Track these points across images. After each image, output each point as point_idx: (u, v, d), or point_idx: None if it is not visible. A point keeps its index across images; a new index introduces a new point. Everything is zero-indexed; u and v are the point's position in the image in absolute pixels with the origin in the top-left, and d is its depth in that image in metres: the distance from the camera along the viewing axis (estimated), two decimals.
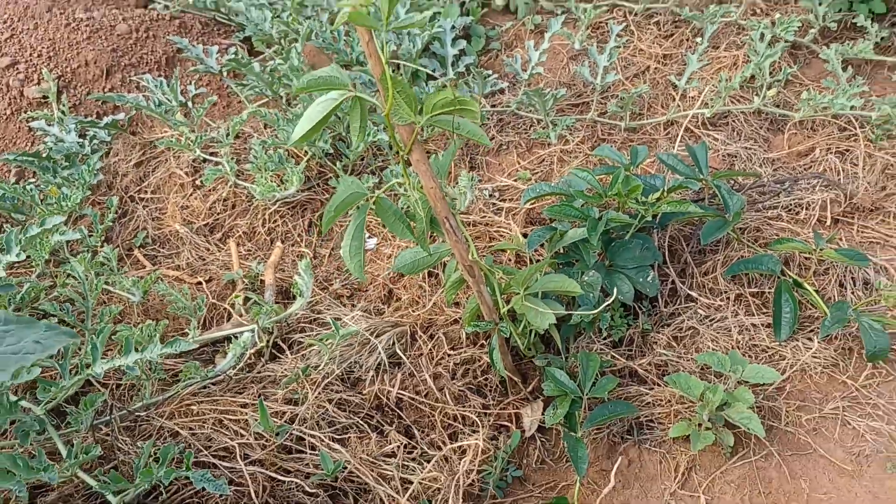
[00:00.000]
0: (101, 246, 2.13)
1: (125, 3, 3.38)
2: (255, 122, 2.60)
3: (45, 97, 2.92)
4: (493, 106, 2.41)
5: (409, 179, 1.45)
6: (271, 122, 2.24)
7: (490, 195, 2.11)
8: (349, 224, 1.44)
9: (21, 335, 0.94)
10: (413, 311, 1.81)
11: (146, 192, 2.36)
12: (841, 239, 1.90)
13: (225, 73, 2.79)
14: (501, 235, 1.96)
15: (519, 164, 2.23)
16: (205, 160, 2.34)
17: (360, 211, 1.46)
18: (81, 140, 2.54)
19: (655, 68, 2.48)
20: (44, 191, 2.35)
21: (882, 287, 1.69)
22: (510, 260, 1.90)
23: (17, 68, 3.04)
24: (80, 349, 1.75)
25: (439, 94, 1.30)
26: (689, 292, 1.81)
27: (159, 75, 3.06)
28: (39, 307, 1.94)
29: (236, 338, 1.76)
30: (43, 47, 3.09)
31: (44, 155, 2.46)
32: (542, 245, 1.75)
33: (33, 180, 2.43)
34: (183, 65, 3.19)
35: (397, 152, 1.39)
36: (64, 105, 2.86)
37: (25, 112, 2.87)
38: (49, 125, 2.70)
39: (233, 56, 2.74)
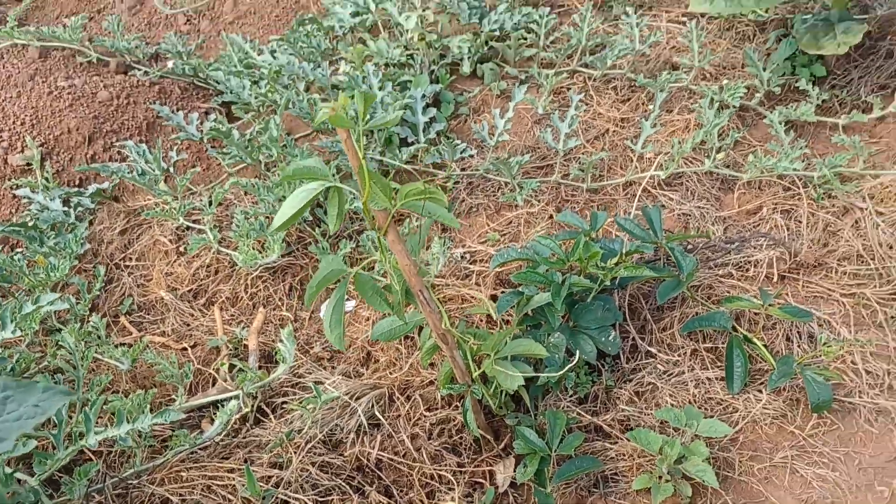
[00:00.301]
0: (89, 314, 2.21)
1: (105, 70, 3.50)
2: (237, 188, 2.71)
3: (28, 164, 3.01)
4: (464, 170, 2.55)
5: (385, 256, 1.57)
6: (252, 191, 2.35)
7: (461, 257, 2.23)
8: (330, 298, 1.55)
9: (21, 400, 1.02)
10: (391, 373, 1.92)
11: (131, 259, 2.46)
12: (787, 294, 2.04)
13: (206, 140, 2.91)
14: (472, 297, 2.08)
15: (488, 225, 2.37)
16: (188, 227, 2.44)
17: (340, 287, 1.57)
18: (66, 209, 2.63)
19: (614, 131, 2.64)
20: (31, 260, 2.43)
21: (823, 342, 1.83)
22: (482, 320, 2.02)
23: (1, 136, 3.14)
24: (71, 417, 1.82)
25: (411, 185, 1.43)
26: (649, 348, 1.93)
27: (140, 140, 3.16)
28: (31, 378, 2.02)
29: (222, 404, 1.85)
30: (26, 115, 3.19)
31: (30, 224, 2.55)
32: (511, 307, 1.87)
33: (20, 249, 2.51)
34: (163, 129, 3.30)
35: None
36: (48, 172, 2.95)
37: (9, 179, 2.96)
38: (34, 192, 2.79)
39: (213, 124, 2.86)
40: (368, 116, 1.50)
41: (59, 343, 2.05)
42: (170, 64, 3.57)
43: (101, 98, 3.24)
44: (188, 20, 4.10)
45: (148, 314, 2.28)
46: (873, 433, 1.76)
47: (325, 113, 1.37)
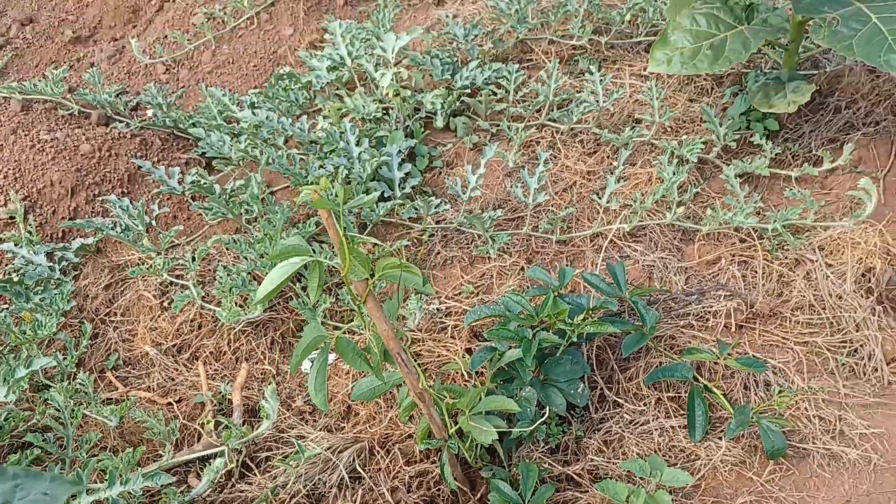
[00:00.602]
0: (76, 371, 2.27)
1: (87, 122, 3.58)
2: (219, 243, 2.79)
3: (12, 218, 3.07)
4: (438, 223, 2.66)
5: (365, 321, 1.67)
6: (234, 247, 2.44)
7: (437, 310, 2.33)
8: (314, 363, 1.64)
9: (30, 487, 1.10)
10: (370, 427, 2.00)
11: (116, 314, 2.52)
12: (745, 343, 2.17)
13: (187, 193, 2.99)
14: (448, 349, 2.18)
15: (462, 277, 2.47)
16: (171, 283, 2.52)
17: (322, 352, 1.66)
18: (51, 263, 2.69)
19: (581, 183, 2.77)
20: (17, 315, 2.49)
21: (778, 392, 1.95)
22: (457, 372, 2.11)
23: None
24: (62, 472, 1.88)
25: (388, 259, 1.54)
26: (616, 398, 2.04)
27: (123, 193, 3.24)
28: (21, 437, 2.07)
29: (208, 460, 1.92)
30: (9, 169, 3.25)
31: (16, 280, 2.61)
32: (485, 363, 1.97)
33: (5, 305, 2.56)
34: (145, 180, 3.37)
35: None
36: (31, 225, 3.01)
37: None
38: (17, 247, 2.85)
39: (195, 178, 2.95)
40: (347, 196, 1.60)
41: (48, 401, 2.11)
42: (149, 113, 3.66)
43: (84, 151, 3.32)
44: (167, 69, 4.20)
45: (133, 369, 2.34)
46: (826, 477, 1.87)
47: (308, 195, 1.47)
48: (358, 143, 2.77)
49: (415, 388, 1.72)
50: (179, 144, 3.56)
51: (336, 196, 1.46)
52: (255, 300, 1.54)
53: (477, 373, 2.13)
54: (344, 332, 1.64)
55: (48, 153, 3.28)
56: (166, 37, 4.30)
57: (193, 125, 3.43)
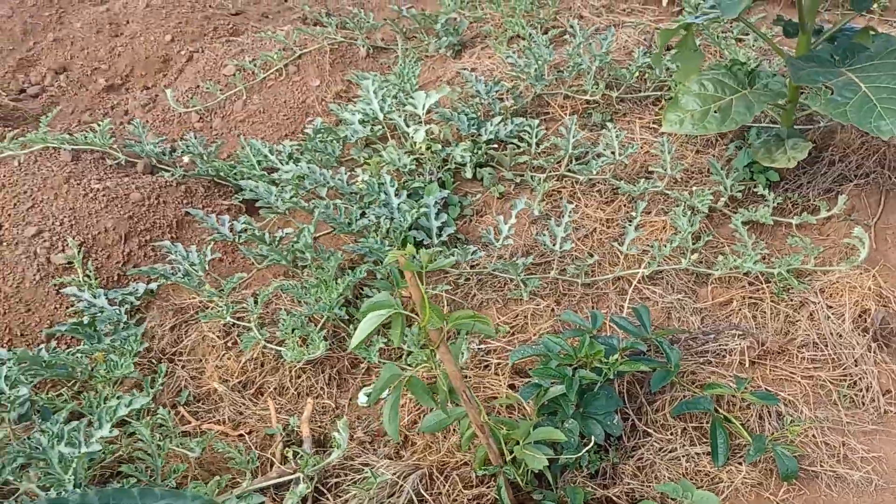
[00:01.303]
0: (156, 408, 2.50)
1: (133, 171, 3.83)
2: (268, 281, 3.04)
3: (70, 263, 3.31)
4: (473, 267, 2.92)
5: (435, 363, 1.93)
6: (293, 293, 2.69)
7: (479, 349, 2.59)
8: (388, 397, 1.89)
9: None
10: (429, 455, 2.24)
11: (182, 353, 2.75)
12: (758, 378, 2.43)
13: (238, 240, 3.24)
14: (491, 386, 2.43)
15: (498, 318, 2.73)
16: (234, 324, 2.76)
17: (396, 389, 1.91)
18: (116, 307, 2.92)
19: (600, 230, 3.05)
20: (91, 356, 2.72)
21: (790, 421, 2.22)
22: (501, 406, 2.36)
23: (43, 236, 3.43)
24: None
25: (462, 312, 1.79)
26: (646, 429, 2.30)
27: (172, 238, 3.48)
28: (109, 468, 2.30)
29: (281, 487, 2.15)
30: (65, 217, 3.50)
31: (86, 322, 2.83)
32: (531, 398, 2.22)
33: (80, 346, 2.78)
34: (192, 226, 3.62)
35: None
36: (90, 270, 3.25)
37: (53, 278, 3.25)
38: (80, 290, 3.08)
39: (244, 227, 3.20)
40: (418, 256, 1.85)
41: (135, 434, 2.34)
42: (185, 159, 3.92)
43: (134, 199, 3.57)
44: (200, 118, 4.47)
45: (203, 404, 2.57)
46: (834, 497, 2.13)
47: (394, 257, 1.74)
48: (397, 195, 3.04)
49: (476, 421, 1.97)
50: (220, 192, 3.81)
51: (419, 260, 1.72)
52: (351, 346, 1.79)
53: (513, 406, 2.38)
54: (395, 368, 1.88)
55: (101, 201, 3.52)
56: (198, 86, 4.57)
57: (236, 175, 3.69)
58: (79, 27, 5.20)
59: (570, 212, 2.86)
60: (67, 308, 3.16)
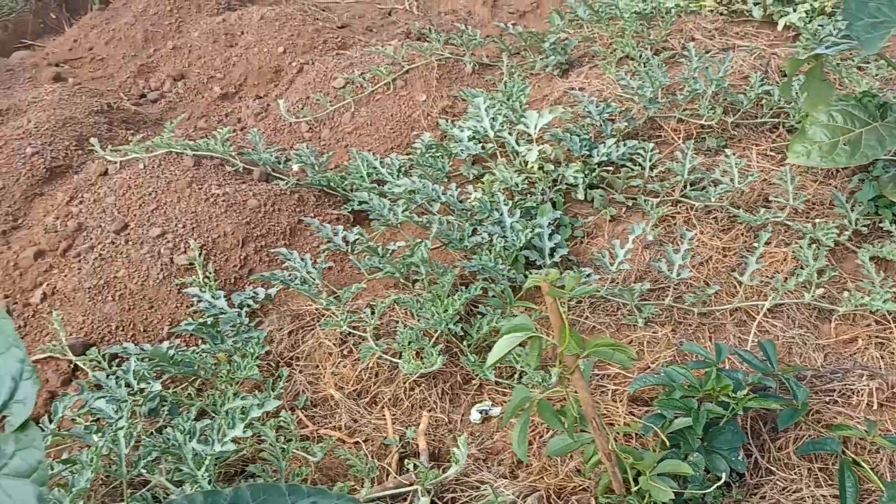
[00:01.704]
0: (277, 411, 2.58)
1: (249, 178, 3.98)
2: (380, 292, 3.11)
3: (191, 264, 3.46)
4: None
5: (566, 388, 1.94)
6: (410, 306, 2.75)
7: (594, 373, 2.58)
8: (519, 419, 1.91)
9: (323, 503, 1.36)
10: (545, 478, 2.25)
11: (299, 358, 2.84)
12: (886, 421, 2.35)
13: (351, 251, 3.32)
14: (608, 412, 2.42)
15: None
16: (349, 333, 2.83)
17: (527, 411, 1.93)
18: (238, 310, 3.04)
19: (717, 259, 3.00)
20: (215, 356, 2.83)
21: None
22: (619, 433, 2.35)
23: (166, 237, 3.60)
24: None
25: (602, 339, 1.80)
26: (769, 466, 2.25)
27: (286, 244, 3.60)
28: (245, 467, 2.39)
29: (397, 498, 2.20)
30: (187, 219, 3.66)
31: (210, 323, 2.96)
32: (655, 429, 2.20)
33: (202, 346, 2.90)
34: (303, 234, 3.74)
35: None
36: (209, 272, 3.38)
37: (175, 278, 3.40)
38: (202, 291, 3.21)
39: (358, 236, 3.28)
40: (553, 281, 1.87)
41: (256, 434, 2.43)
42: (295, 167, 4.04)
43: (251, 205, 3.71)
44: (310, 128, 4.60)
45: (320, 409, 2.65)
46: None
47: (535, 281, 1.76)
48: (510, 214, 3.07)
49: (604, 449, 1.97)
50: (330, 201, 3.92)
51: (562, 286, 1.73)
52: (487, 364, 1.83)
53: (630, 434, 2.37)
54: (511, 388, 1.90)
55: (221, 206, 3.68)
56: (308, 97, 4.71)
57: (346, 186, 3.79)
58: (196, 36, 5.44)
59: (685, 234, 2.83)
60: (188, 307, 3.31)
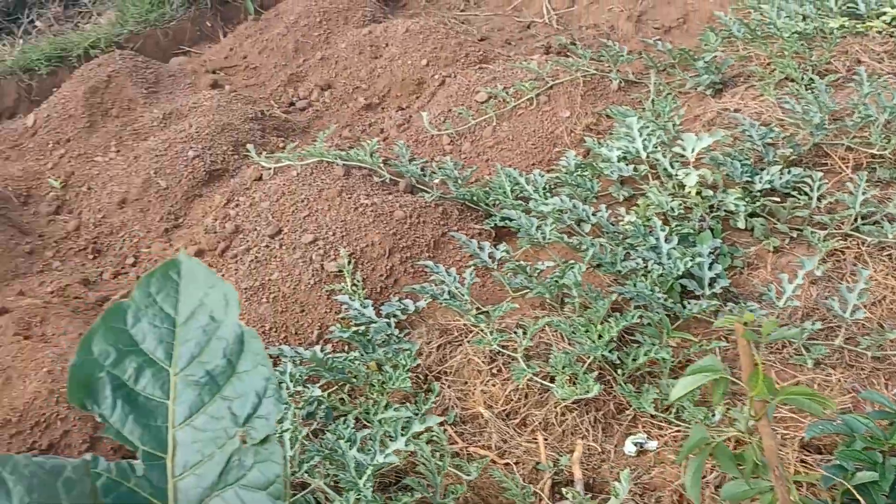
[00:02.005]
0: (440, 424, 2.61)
1: (395, 189, 4.05)
2: (527, 311, 3.09)
3: (340, 271, 3.55)
4: (746, 325, 2.79)
5: (748, 433, 1.85)
6: (562, 330, 2.72)
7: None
8: (694, 459, 1.85)
9: None
10: None
11: (448, 373, 2.87)
12: None
13: (496, 266, 3.33)
14: (780, 457, 2.30)
15: (778, 384, 2.58)
16: (499, 351, 2.83)
17: (703, 453, 1.86)
18: (389, 321, 3.10)
19: (891, 299, 2.80)
20: (367, 364, 2.90)
21: None
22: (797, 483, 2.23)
23: (318, 244, 3.72)
24: None
25: (796, 388, 1.71)
26: None
27: (430, 257, 3.64)
28: (390, 478, 2.43)
29: None
30: (337, 227, 3.77)
31: (361, 332, 3.03)
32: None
33: (355, 353, 2.98)
34: (446, 247, 3.78)
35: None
36: (358, 280, 3.47)
37: (325, 284, 3.51)
38: (351, 299, 3.29)
39: (504, 254, 3.28)
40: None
41: (409, 446, 2.46)
42: (436, 180, 4.09)
43: (398, 217, 3.78)
44: (451, 141, 4.65)
45: (468, 426, 2.66)
46: None
47: (728, 322, 1.70)
48: (666, 240, 2.98)
49: (785, 500, 1.87)
50: (473, 216, 3.95)
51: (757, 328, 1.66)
52: (671, 398, 1.79)
53: (799, 483, 2.24)
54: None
55: (369, 216, 3.76)
56: (450, 110, 4.77)
57: (490, 202, 3.80)
58: (343, 48, 5.62)
59: (855, 268, 2.66)
60: (336, 313, 3.41)
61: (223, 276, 3.80)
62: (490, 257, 3.32)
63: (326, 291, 3.44)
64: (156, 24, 6.49)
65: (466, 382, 2.81)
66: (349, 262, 3.53)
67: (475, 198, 3.87)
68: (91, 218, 4.39)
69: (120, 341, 1.16)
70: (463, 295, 3.04)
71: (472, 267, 3.34)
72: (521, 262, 3.04)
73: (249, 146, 4.45)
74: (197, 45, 6.67)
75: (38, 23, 6.76)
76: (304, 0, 6.11)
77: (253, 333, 1.21)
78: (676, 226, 3.12)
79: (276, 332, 3.41)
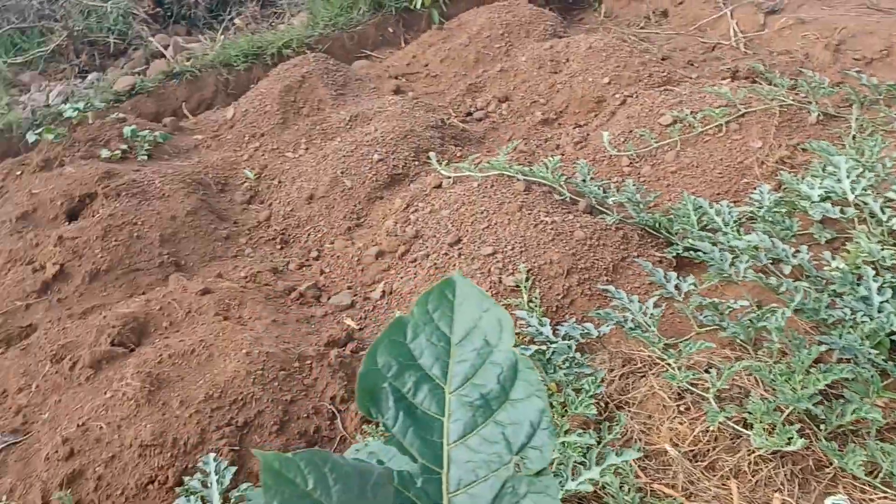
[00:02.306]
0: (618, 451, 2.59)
1: (575, 208, 4.04)
2: (716, 349, 3.00)
3: (517, 286, 3.58)
4: None
5: None
6: (761, 376, 2.62)
7: None
8: None
9: None
10: None
11: (631, 403, 2.83)
12: None
13: (681, 298, 3.24)
14: None
15: None
16: (688, 389, 2.76)
17: None
18: (568, 343, 3.10)
19: None
20: (547, 385, 2.91)
21: None
22: None
23: (496, 257, 3.77)
24: None
25: None
26: None
27: (607, 281, 3.60)
28: None
29: None
30: (516, 242, 3.80)
31: (543, 350, 3.05)
32: None
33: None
34: (625, 272, 3.72)
35: None
36: (535, 297, 3.49)
37: (503, 297, 3.55)
38: (529, 315, 3.31)
39: (691, 287, 3.19)
40: None
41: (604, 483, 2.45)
42: (609, 200, 4.03)
43: (578, 237, 3.76)
44: (630, 163, 4.58)
45: (651, 461, 2.61)
46: None
47: None
48: (879, 292, 2.80)
49: None
50: (653, 242, 3.87)
51: None
52: None
53: None
54: None
55: (548, 234, 3.77)
56: (631, 131, 4.69)
57: (674, 231, 3.71)
58: (523, 61, 5.67)
59: None
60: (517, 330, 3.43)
61: (401, 278, 3.93)
62: (676, 288, 3.24)
63: (503, 305, 3.48)
64: (343, 27, 6.82)
65: (651, 416, 2.76)
66: (527, 278, 3.56)
67: (657, 224, 3.80)
68: (280, 210, 4.68)
69: (400, 354, 1.23)
70: (649, 325, 2.98)
71: (657, 296, 3.28)
72: (714, 300, 2.95)
73: (431, 154, 4.59)
74: (378, 50, 6.95)
75: (237, 20, 7.28)
76: (487, 12, 6.22)
77: (528, 363, 1.25)
78: (891, 277, 2.91)
79: None
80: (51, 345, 3.57)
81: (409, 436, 1.23)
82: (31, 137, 5.07)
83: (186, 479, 2.77)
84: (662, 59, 5.81)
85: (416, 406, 1.24)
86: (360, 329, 3.70)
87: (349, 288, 4.03)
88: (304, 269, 4.30)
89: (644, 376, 2.91)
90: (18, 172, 4.99)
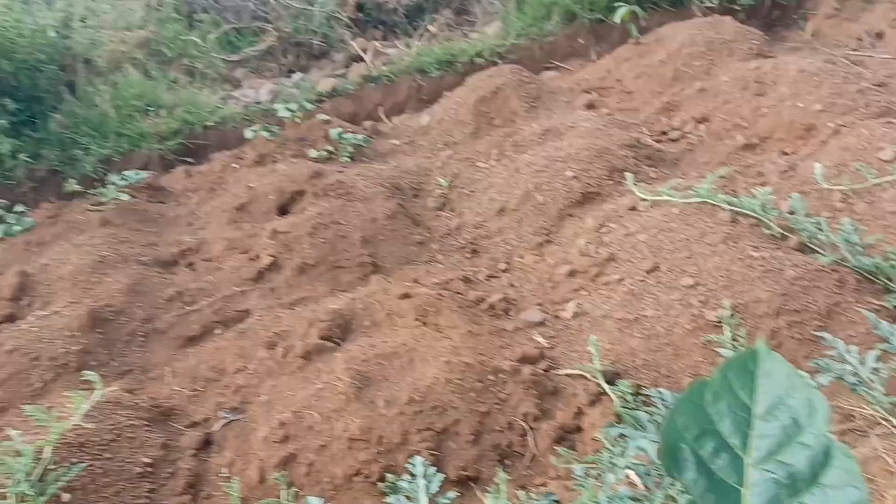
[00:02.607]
0: None
1: (785, 244, 3.85)
2: None
3: (719, 322, 3.47)
4: None
5: None
6: None
7: None
8: None
9: None
10: None
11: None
12: None
13: None
14: None
15: None
16: None
17: None
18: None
19: None
20: None
21: None
22: None
23: (697, 289, 3.67)
24: None
25: None
26: None
27: (819, 326, 3.41)
28: None
29: None
30: (719, 275, 3.67)
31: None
32: None
33: None
34: (839, 319, 3.51)
35: None
36: (741, 335, 3.36)
37: (704, 332, 3.46)
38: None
39: None
40: None
41: None
42: (822, 238, 3.79)
43: (789, 276, 3.58)
44: (844, 199, 4.30)
45: None
46: None
47: None
48: None
49: None
50: (870, 288, 3.62)
51: None
52: None
53: None
54: None
55: (756, 270, 3.62)
56: (845, 164, 4.40)
57: (892, 276, 3.46)
58: (725, 81, 5.46)
59: None
60: (710, 364, 3.35)
61: (593, 300, 3.92)
62: None
63: (704, 340, 3.40)
64: (534, 38, 6.87)
65: (873, 480, 2.60)
66: (731, 315, 3.44)
67: (878, 268, 3.55)
68: (471, 220, 4.80)
69: (699, 418, 1.23)
70: (874, 384, 2.80)
71: (880, 351, 3.07)
72: None
73: (628, 175, 4.53)
74: (567, 61, 6.94)
75: (431, 27, 7.52)
76: (687, 28, 6.05)
77: (845, 450, 1.22)
78: None
79: (646, 369, 3.44)
80: (265, 331, 3.88)
81: (707, 501, 1.24)
82: (248, 134, 5.50)
83: (389, 476, 2.92)
84: (877, 86, 5.41)
85: (713, 472, 1.25)
86: (551, 348, 3.73)
87: (539, 304, 4.07)
88: (492, 280, 4.38)
89: (866, 436, 2.74)
90: (235, 166, 5.44)
